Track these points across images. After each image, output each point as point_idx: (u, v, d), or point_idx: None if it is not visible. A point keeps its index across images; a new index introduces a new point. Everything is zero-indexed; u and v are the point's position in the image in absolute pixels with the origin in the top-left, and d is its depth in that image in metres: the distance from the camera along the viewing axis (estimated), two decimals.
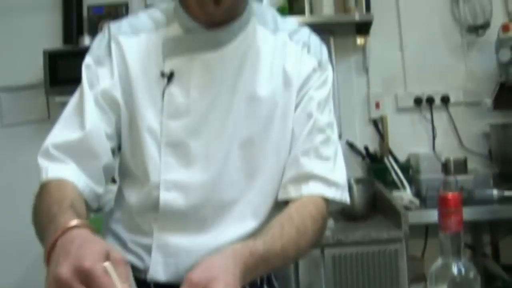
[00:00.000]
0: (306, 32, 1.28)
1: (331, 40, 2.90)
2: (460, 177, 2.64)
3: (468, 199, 2.49)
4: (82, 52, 2.98)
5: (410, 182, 2.62)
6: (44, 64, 2.79)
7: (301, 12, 2.75)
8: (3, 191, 2.92)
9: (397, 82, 2.95)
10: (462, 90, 2.93)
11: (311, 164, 1.18)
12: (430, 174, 2.70)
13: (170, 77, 1.17)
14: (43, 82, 2.82)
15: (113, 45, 1.19)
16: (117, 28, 1.21)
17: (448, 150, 2.87)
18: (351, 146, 2.86)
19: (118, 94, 1.17)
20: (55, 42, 2.94)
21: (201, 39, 1.18)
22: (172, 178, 1.15)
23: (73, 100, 1.19)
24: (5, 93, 3.01)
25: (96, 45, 1.22)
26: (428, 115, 2.92)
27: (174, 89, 1.16)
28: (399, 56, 2.96)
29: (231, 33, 1.19)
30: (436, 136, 2.90)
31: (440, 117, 2.93)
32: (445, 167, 2.76)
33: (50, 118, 2.93)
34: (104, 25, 2.88)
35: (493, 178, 2.68)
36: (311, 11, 2.77)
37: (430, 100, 2.91)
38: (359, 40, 2.94)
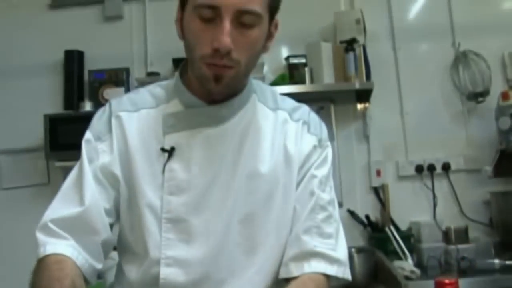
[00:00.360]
0: (305, 110, 1.31)
1: (332, 108, 2.94)
2: (461, 246, 2.62)
3: (469, 269, 2.47)
4: (83, 118, 3.00)
5: (411, 251, 2.60)
6: (44, 128, 2.81)
7: (301, 80, 2.77)
8: (3, 253, 2.90)
9: (398, 149, 2.96)
10: (463, 157, 2.93)
11: (313, 242, 1.18)
12: (431, 243, 2.69)
13: (170, 152, 1.17)
14: (43, 146, 2.82)
15: (113, 121, 1.22)
16: (118, 104, 1.24)
17: (449, 218, 2.85)
18: (352, 214, 2.84)
19: (117, 170, 1.18)
20: (56, 106, 2.97)
21: (202, 115, 1.19)
22: (172, 254, 1.15)
23: (73, 174, 1.20)
24: (6, 156, 3.02)
25: (96, 121, 1.25)
26: (429, 183, 2.92)
27: (175, 165, 1.17)
28: (400, 123, 2.98)
29: (231, 110, 1.21)
30: (437, 204, 2.89)
31: (441, 185, 2.93)
32: (446, 236, 2.73)
33: (50, 182, 2.94)
34: (105, 90, 2.92)
35: (494, 247, 2.65)
36: (312, 80, 2.78)
37: (431, 168, 2.91)
38: (360, 108, 2.96)
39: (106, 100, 2.91)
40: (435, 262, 2.59)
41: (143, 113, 1.23)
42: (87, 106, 2.84)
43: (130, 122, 1.22)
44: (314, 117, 1.31)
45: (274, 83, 2.82)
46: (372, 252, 2.59)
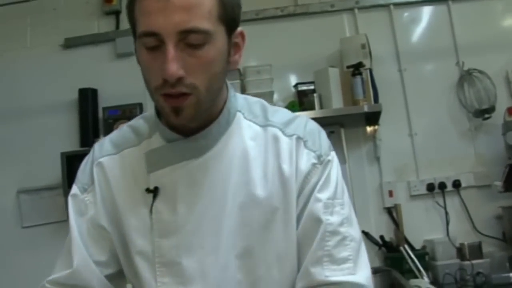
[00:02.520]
0: (301, 122, 1.18)
1: (342, 132, 2.99)
2: (476, 262, 2.67)
3: (485, 284, 2.53)
4: None
5: (426, 269, 2.64)
6: (62, 166, 2.88)
7: (311, 107, 2.83)
8: None
9: (409, 169, 3.01)
10: (473, 173, 2.97)
11: (324, 273, 1.07)
12: (446, 260, 2.74)
13: (155, 193, 1.12)
14: (62, 184, 2.89)
15: (95, 169, 1.18)
16: (99, 150, 1.21)
17: (462, 234, 2.89)
18: (366, 235, 2.88)
19: (104, 222, 1.16)
20: (72, 144, 3.04)
21: (181, 149, 1.12)
22: None
23: (68, 235, 1.18)
24: (25, 195, 3.08)
25: (80, 172, 1.22)
26: (441, 201, 2.95)
27: (161, 205, 1.11)
28: (409, 144, 3.02)
29: (211, 138, 1.12)
30: (450, 221, 2.93)
31: (453, 202, 2.96)
32: (460, 252, 2.78)
33: (68, 219, 2.98)
34: (119, 126, 2.99)
35: (509, 261, 2.70)
36: (321, 106, 2.84)
37: (442, 186, 2.95)
38: (369, 130, 3.01)
39: None
40: (450, 279, 2.64)
41: (126, 154, 1.18)
42: None
43: (112, 166, 1.17)
44: (311, 129, 1.17)
45: None
46: (388, 272, 2.64)
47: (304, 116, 1.22)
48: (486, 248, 2.83)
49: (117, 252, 1.18)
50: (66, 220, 3.18)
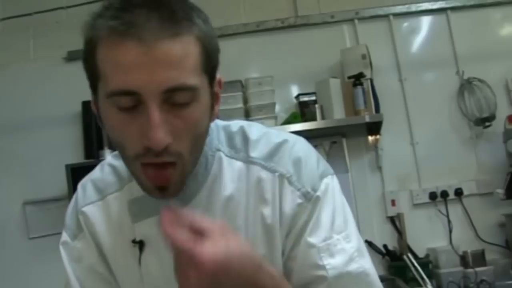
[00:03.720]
0: (285, 151, 1.05)
1: (344, 142, 3.01)
2: (479, 269, 2.68)
3: None
4: None
5: (430, 277, 2.65)
6: (67, 178, 2.90)
7: (313, 118, 2.85)
8: None
9: (411, 178, 3.03)
10: (475, 181, 2.99)
11: None
12: (449, 268, 2.75)
13: (141, 245, 1.04)
14: (67, 196, 2.91)
15: (80, 218, 1.09)
16: (83, 196, 1.11)
17: (465, 242, 2.90)
18: (370, 244, 2.90)
19: (101, 268, 1.09)
20: (77, 156, 3.06)
21: (163, 201, 0.96)
22: None
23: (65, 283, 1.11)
24: (32, 206, 3.10)
25: (68, 218, 1.13)
26: (443, 209, 2.97)
27: (149, 258, 1.05)
28: (411, 153, 3.04)
29: (193, 189, 1.02)
30: (453, 230, 2.94)
31: (455, 210, 2.98)
32: (464, 260, 2.79)
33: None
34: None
35: None
36: (323, 116, 2.86)
37: (444, 194, 2.97)
38: (371, 140, 3.03)
39: None
40: (454, 287, 2.65)
41: (110, 200, 1.09)
42: (107, 154, 2.93)
43: (97, 215, 1.09)
44: (297, 158, 1.04)
45: (287, 122, 2.91)
46: (392, 281, 2.66)
47: (290, 140, 1.08)
48: (489, 256, 2.84)
49: None
50: None
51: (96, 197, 1.10)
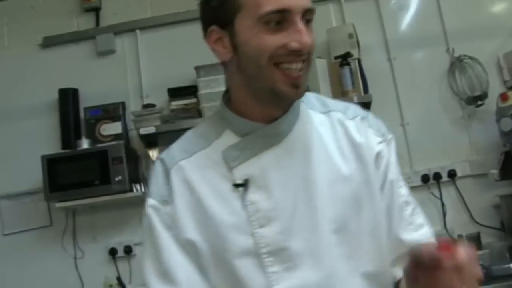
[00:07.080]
0: (356, 107, 1.25)
1: None
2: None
3: (485, 276, 2.44)
4: (81, 156, 2.91)
5: None
6: (42, 170, 2.77)
7: None
8: None
9: (402, 160, 2.87)
10: (468, 162, 2.91)
11: (414, 238, 1.16)
12: None
13: (245, 185, 1.12)
14: (43, 188, 2.78)
15: (174, 177, 1.16)
16: (171, 157, 1.18)
17: (460, 225, 2.83)
18: None
19: (192, 234, 1.12)
20: (53, 147, 2.94)
21: (262, 137, 1.13)
22: (286, 286, 1.09)
23: (148, 259, 1.14)
24: (6, 201, 2.98)
25: (154, 186, 1.18)
26: (436, 192, 2.90)
27: (255, 196, 1.11)
28: (401, 134, 2.96)
29: (289, 122, 1.15)
30: (446, 213, 2.86)
31: (449, 193, 2.91)
32: None
33: (52, 224, 2.88)
34: (101, 126, 2.90)
35: (509, 251, 2.65)
36: None
37: (437, 176, 2.89)
38: None
39: (103, 136, 2.90)
40: None
41: (199, 156, 1.17)
42: (85, 144, 2.81)
43: (190, 168, 1.16)
44: (367, 113, 1.24)
45: None
46: None
47: (355, 105, 1.28)
48: (485, 239, 2.78)
49: (204, 267, 1.13)
50: (49, 226, 3.11)
51: (185, 155, 1.17)
